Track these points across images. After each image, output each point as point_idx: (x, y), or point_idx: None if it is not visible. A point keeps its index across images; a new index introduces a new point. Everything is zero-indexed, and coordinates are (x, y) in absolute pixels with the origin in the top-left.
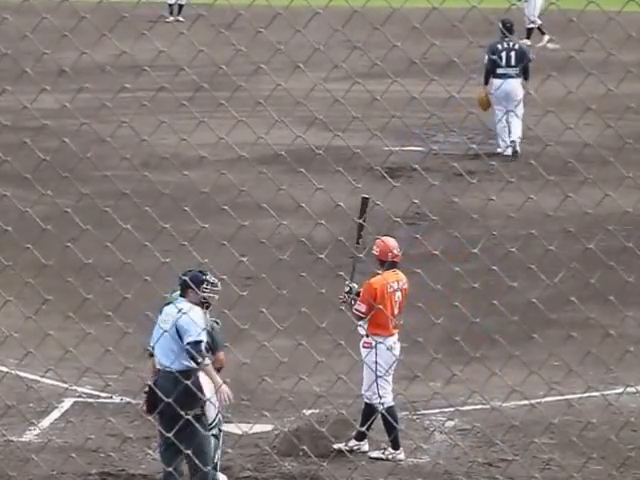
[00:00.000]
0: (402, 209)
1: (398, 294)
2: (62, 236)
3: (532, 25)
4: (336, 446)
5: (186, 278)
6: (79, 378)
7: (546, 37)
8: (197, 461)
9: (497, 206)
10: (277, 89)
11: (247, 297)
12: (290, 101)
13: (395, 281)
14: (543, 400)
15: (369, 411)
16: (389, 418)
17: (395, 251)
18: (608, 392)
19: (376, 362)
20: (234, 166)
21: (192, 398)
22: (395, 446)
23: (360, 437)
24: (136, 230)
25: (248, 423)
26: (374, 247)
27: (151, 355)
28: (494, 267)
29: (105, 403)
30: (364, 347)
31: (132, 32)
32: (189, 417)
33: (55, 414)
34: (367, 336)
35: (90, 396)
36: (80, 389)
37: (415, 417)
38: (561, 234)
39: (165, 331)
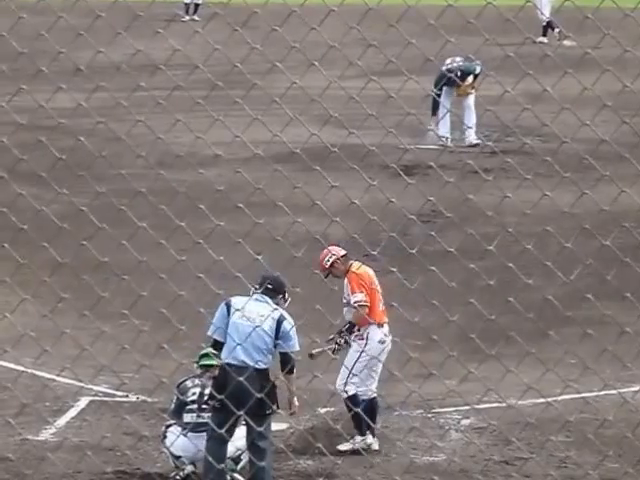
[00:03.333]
0: (417, 206)
1: (375, 280)
2: (78, 234)
3: (545, 23)
4: (342, 447)
5: (282, 282)
6: (95, 377)
7: (556, 30)
8: (256, 456)
9: (512, 203)
10: (292, 87)
11: None
12: (305, 99)
13: (369, 269)
14: (559, 398)
15: (370, 406)
16: (351, 408)
17: (332, 251)
18: (625, 390)
19: (362, 351)
20: (249, 164)
21: (273, 396)
22: (362, 432)
23: (368, 431)
24: (152, 228)
25: None
26: (325, 260)
27: (215, 347)
28: (510, 264)
29: (121, 402)
30: (357, 340)
31: (148, 31)
32: (269, 412)
33: (71, 413)
34: (358, 330)
35: (106, 395)
36: (96, 388)
37: (430, 415)
38: (577, 231)
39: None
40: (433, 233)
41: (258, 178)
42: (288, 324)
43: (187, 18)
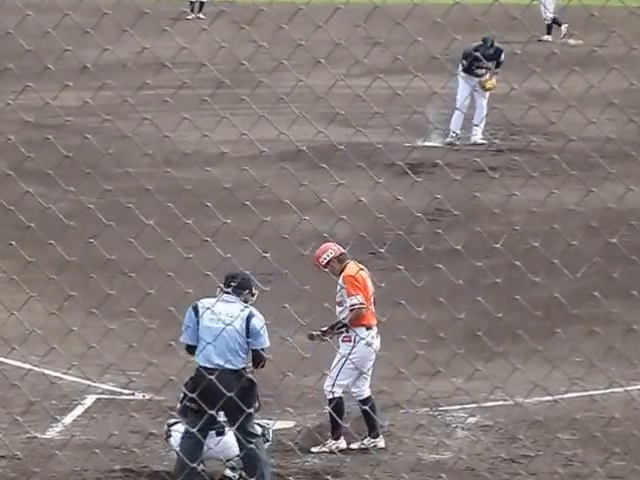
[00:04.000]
0: (423, 205)
1: (369, 281)
2: (85, 232)
3: (549, 21)
4: (314, 449)
5: (248, 277)
6: (102, 375)
7: (564, 25)
8: (250, 455)
9: (519, 201)
10: (298, 85)
11: (269, 293)
12: (311, 97)
13: (363, 269)
14: (565, 396)
15: (368, 405)
16: (333, 412)
17: (330, 249)
18: (631, 388)
19: (349, 353)
20: (255, 162)
21: (253, 394)
22: (337, 437)
23: (375, 434)
24: (158, 226)
25: (270, 419)
26: (322, 258)
27: (190, 352)
28: (516, 262)
29: (128, 400)
30: (343, 341)
31: (153, 29)
32: (250, 411)
33: (78, 411)
34: (347, 331)
35: (113, 393)
36: (103, 386)
37: (437, 413)
38: (583, 229)
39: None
40: (440, 231)
41: (264, 176)
42: (257, 321)
43: (192, 16)
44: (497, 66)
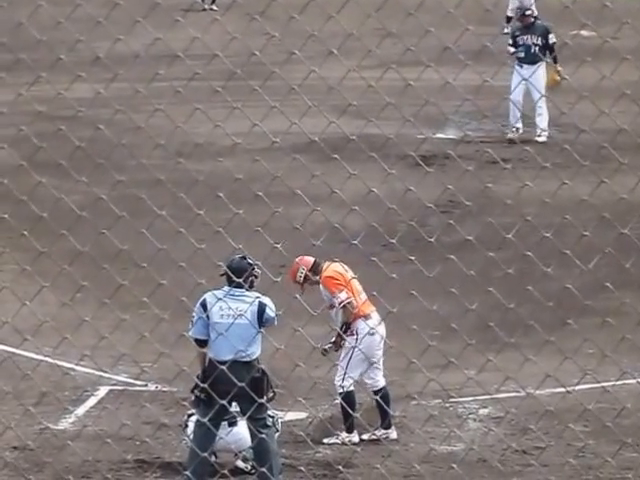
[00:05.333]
0: (435, 196)
1: (350, 273)
2: (97, 223)
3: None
4: (326, 440)
5: (243, 265)
6: (114, 366)
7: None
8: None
9: (531, 193)
10: (309, 77)
11: (281, 284)
12: (323, 89)
13: (339, 264)
14: (577, 387)
15: (382, 396)
16: (345, 405)
17: (300, 265)
18: None
19: (354, 347)
20: (268, 154)
21: (265, 384)
22: (349, 430)
23: (387, 425)
24: (171, 217)
25: (282, 410)
26: (297, 276)
27: (200, 346)
28: (528, 253)
29: (140, 391)
30: (348, 336)
31: (166, 20)
32: (262, 401)
33: (90, 402)
34: (349, 327)
35: (125, 384)
36: (115, 377)
37: (448, 405)
38: (595, 220)
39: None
40: (452, 222)
41: (276, 168)
42: (269, 310)
43: (205, 7)
44: (550, 51)
